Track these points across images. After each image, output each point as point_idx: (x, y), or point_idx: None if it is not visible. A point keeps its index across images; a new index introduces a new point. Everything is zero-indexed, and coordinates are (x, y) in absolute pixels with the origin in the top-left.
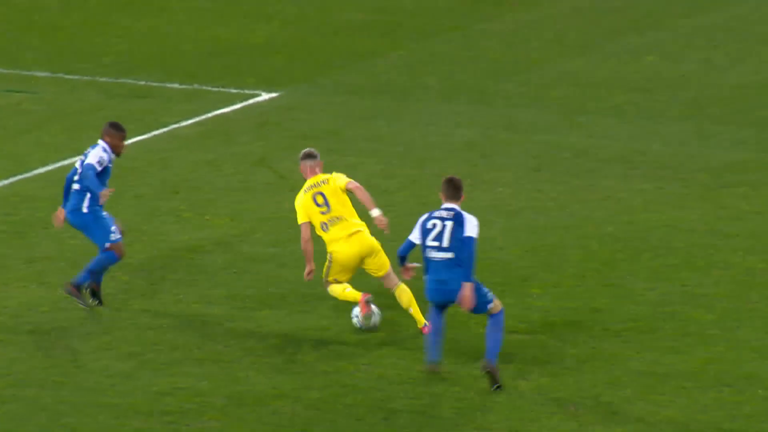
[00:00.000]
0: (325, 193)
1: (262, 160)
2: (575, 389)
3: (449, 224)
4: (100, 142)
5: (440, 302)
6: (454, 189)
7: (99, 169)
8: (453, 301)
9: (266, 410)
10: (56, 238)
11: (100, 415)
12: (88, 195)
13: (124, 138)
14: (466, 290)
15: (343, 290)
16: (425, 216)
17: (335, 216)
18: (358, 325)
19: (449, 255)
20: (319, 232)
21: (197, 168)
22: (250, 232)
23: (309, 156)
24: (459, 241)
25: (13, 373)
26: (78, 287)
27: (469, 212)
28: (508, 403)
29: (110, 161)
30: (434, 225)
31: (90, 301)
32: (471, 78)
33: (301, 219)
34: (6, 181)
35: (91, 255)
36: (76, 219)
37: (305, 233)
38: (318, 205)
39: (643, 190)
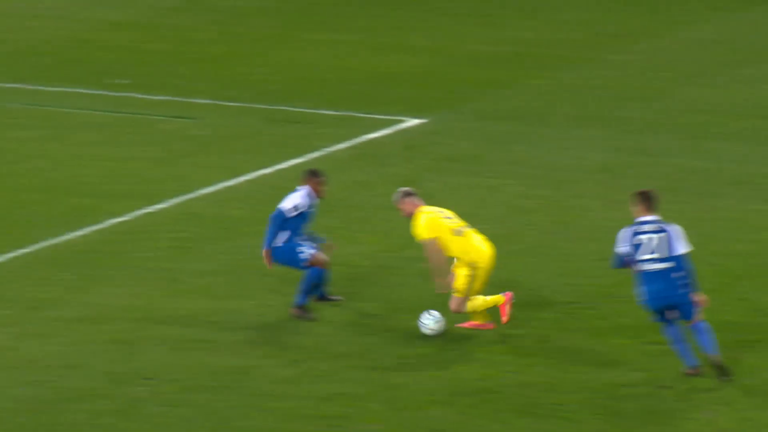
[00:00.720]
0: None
1: (410, 180)
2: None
3: (662, 236)
4: (301, 188)
5: (661, 308)
6: (654, 201)
7: (293, 213)
8: (672, 306)
9: (422, 415)
10: (222, 253)
11: (266, 419)
12: (287, 233)
13: (322, 182)
14: (701, 298)
15: (484, 300)
16: (629, 230)
17: (462, 225)
18: (428, 331)
19: (667, 265)
20: (451, 240)
21: (350, 188)
22: (400, 247)
23: (412, 193)
24: (674, 251)
25: (183, 378)
26: (300, 308)
27: (606, 230)
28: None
29: (311, 206)
30: (649, 239)
31: (312, 315)
32: (601, 105)
33: (428, 236)
34: (175, 200)
35: (246, 268)
36: (274, 255)
37: (435, 247)
38: (447, 217)
39: (766, 211)
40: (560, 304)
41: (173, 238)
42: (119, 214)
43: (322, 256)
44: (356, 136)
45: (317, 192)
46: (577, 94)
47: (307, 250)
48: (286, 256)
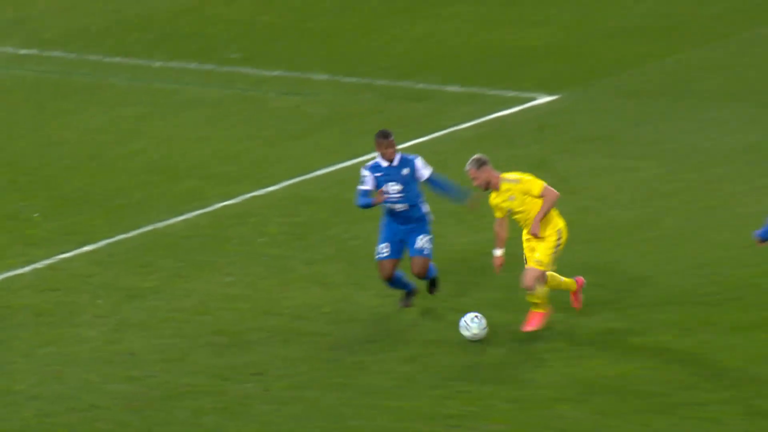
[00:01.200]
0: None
1: (541, 162)
2: None
3: None
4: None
5: None
6: None
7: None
8: None
9: (550, 414)
10: (337, 239)
11: (381, 418)
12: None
13: (383, 145)
14: None
15: (559, 280)
16: None
17: None
18: (469, 335)
19: None
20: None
21: None
22: None
23: (488, 161)
24: None
25: (294, 374)
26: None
27: (753, 216)
28: None
29: (379, 171)
30: None
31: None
32: (747, 83)
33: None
34: (287, 183)
35: (362, 256)
36: None
37: (554, 193)
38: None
39: None
40: (701, 295)
41: (285, 223)
42: (227, 198)
43: (384, 265)
44: (483, 114)
45: (382, 155)
46: (723, 70)
47: (381, 251)
48: None
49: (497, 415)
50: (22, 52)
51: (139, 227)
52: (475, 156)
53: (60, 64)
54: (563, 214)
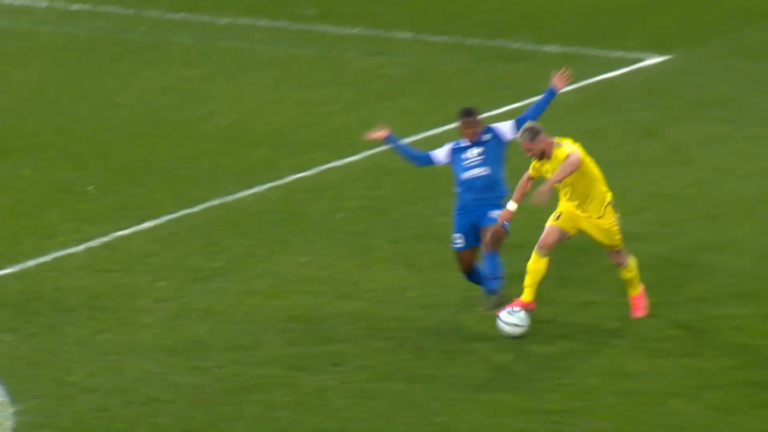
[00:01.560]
0: None
1: (651, 130)
2: None
3: None
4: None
5: None
6: None
7: (439, 159)
8: None
9: (661, 410)
10: (422, 215)
11: (474, 414)
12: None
13: (462, 125)
14: None
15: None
16: None
17: None
18: (509, 330)
19: None
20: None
21: (579, 138)
22: (638, 210)
23: (542, 130)
24: None
25: (378, 364)
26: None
27: None
28: None
29: (459, 150)
30: None
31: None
32: None
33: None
34: (368, 152)
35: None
36: None
37: (577, 161)
38: None
39: None
40: None
41: (365, 197)
42: (302, 169)
43: (463, 255)
44: (587, 76)
45: (462, 135)
46: None
47: (457, 242)
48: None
49: (603, 411)
50: (74, 8)
51: (204, 201)
52: (529, 125)
53: (116, 20)
54: (675, 186)
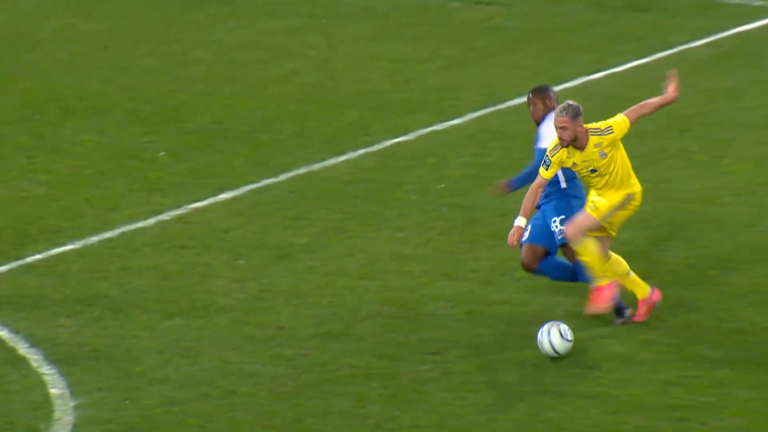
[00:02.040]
0: None
1: None
2: None
3: None
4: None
5: None
6: None
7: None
8: None
9: None
10: None
11: (592, 409)
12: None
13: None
14: None
15: (627, 270)
16: None
17: None
18: (556, 349)
19: None
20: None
21: (713, 99)
22: None
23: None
24: None
25: (483, 353)
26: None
27: None
28: None
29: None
30: None
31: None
32: None
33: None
34: (474, 114)
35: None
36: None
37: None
38: None
39: None
40: None
41: (470, 164)
42: (399, 133)
43: (523, 254)
44: (721, 29)
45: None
46: None
47: (524, 235)
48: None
49: (735, 407)
50: None
51: (289, 170)
52: (571, 103)
53: None
54: None
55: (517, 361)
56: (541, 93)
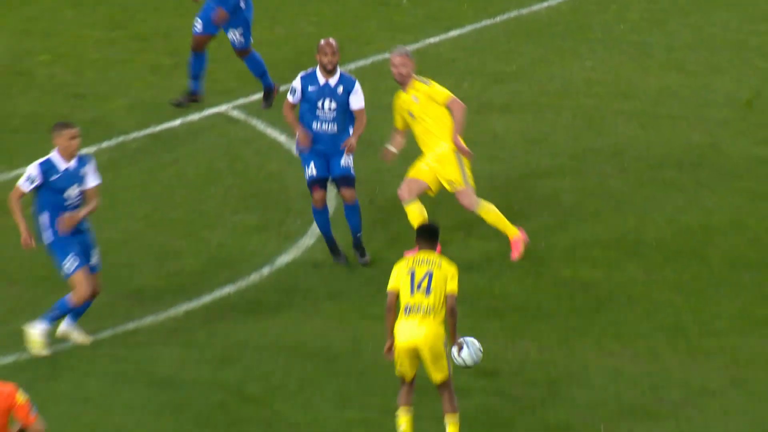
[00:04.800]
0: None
1: None
2: None
3: None
4: None
5: None
6: None
7: None
8: None
9: None
10: (696, 26)
11: None
12: None
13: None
14: None
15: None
16: None
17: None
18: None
19: None
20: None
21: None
22: None
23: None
24: None
25: (652, 155)
26: None
27: None
28: None
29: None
30: None
31: None
32: None
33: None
34: None
35: (721, 42)
36: None
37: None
38: None
39: None
40: None
41: (646, 9)
42: None
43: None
44: None
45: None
46: None
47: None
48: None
49: None
50: None
51: (503, 13)
52: (406, 47)
53: None
54: None
55: (681, 159)
56: None
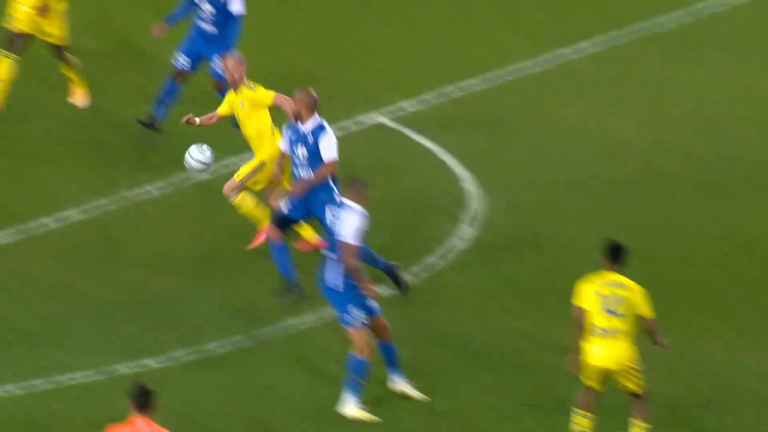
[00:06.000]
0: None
1: None
2: None
3: None
4: None
5: None
6: None
7: None
8: None
9: None
10: None
11: None
12: None
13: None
14: None
15: (256, 205)
16: None
17: None
18: (195, 165)
19: None
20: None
21: None
22: None
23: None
24: None
25: None
26: None
27: None
28: None
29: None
30: None
31: None
32: None
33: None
34: None
35: None
36: None
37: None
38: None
39: None
40: None
41: None
42: None
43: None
44: None
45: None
46: None
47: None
48: None
49: None
50: None
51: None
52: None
53: None
54: None
55: None
56: None
